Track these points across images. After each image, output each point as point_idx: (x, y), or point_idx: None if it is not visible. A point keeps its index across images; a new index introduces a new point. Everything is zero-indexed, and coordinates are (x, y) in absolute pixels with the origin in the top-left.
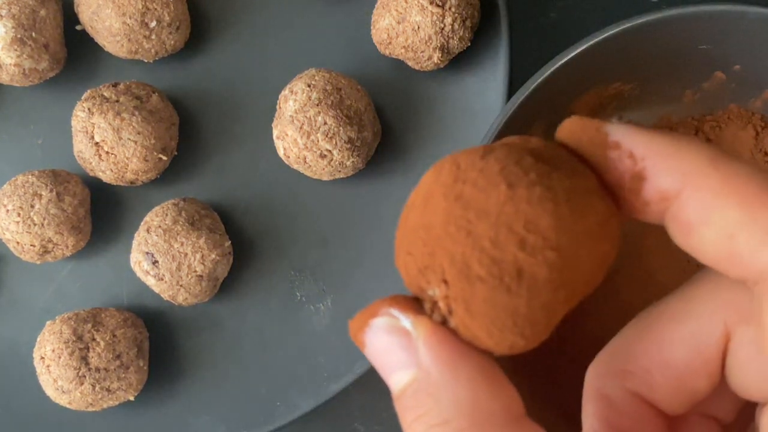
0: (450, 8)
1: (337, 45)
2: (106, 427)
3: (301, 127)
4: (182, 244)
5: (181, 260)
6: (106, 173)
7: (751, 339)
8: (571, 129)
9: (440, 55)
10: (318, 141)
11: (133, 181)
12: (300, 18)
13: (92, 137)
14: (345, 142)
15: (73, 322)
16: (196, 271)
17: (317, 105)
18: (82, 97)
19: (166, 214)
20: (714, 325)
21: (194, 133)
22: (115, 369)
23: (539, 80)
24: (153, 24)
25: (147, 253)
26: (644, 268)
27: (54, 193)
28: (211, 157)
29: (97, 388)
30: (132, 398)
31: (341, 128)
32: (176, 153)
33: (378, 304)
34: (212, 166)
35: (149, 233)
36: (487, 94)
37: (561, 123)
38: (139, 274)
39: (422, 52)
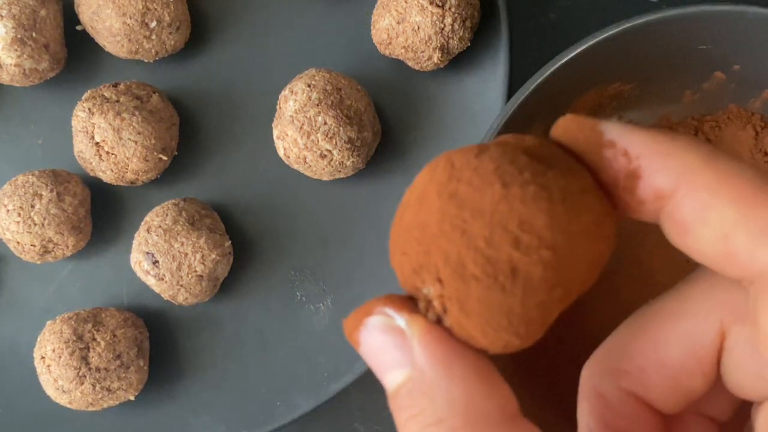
0: (450, 8)
1: (337, 45)
2: (106, 426)
3: (301, 127)
4: (182, 244)
5: (182, 260)
6: (106, 173)
7: (747, 338)
8: (566, 127)
9: (440, 55)
10: (318, 141)
11: (134, 181)
12: (300, 18)
13: (92, 137)
14: (345, 142)
15: (73, 322)
16: (196, 271)
17: (317, 105)
18: (83, 97)
19: (167, 214)
20: (709, 324)
21: (194, 133)
22: (115, 369)
23: (539, 80)
24: (153, 24)
25: (147, 253)
26: (643, 268)
27: (54, 193)
28: (211, 157)
29: (97, 388)
30: (132, 398)
31: (341, 128)
32: (176, 153)
33: (372, 303)
34: (212, 166)
35: (149, 233)
36: (487, 94)
37: (556, 121)
38: (140, 274)
39: (422, 52)
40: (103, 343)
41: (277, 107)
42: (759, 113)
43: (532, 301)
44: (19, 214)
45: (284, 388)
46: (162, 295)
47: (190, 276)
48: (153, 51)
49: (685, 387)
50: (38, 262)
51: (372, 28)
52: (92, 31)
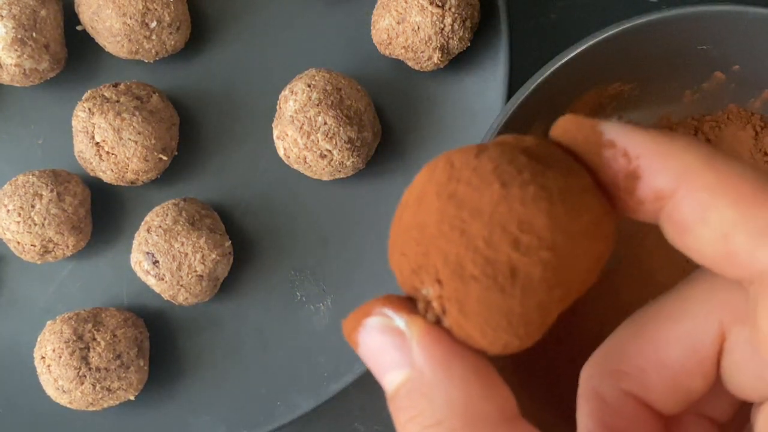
0: (450, 8)
1: (337, 45)
2: (106, 426)
3: (301, 127)
4: (182, 244)
5: (182, 260)
6: (106, 173)
7: (747, 339)
8: (566, 127)
9: (440, 55)
10: (318, 141)
11: (134, 181)
12: (300, 18)
13: (93, 137)
14: (345, 142)
15: (73, 322)
16: (196, 271)
17: (317, 105)
18: (83, 98)
19: (167, 214)
20: (709, 324)
21: (194, 133)
22: (115, 369)
23: (539, 80)
24: (153, 24)
25: (147, 253)
26: (643, 268)
27: (54, 193)
28: (211, 157)
29: (97, 388)
30: (132, 398)
31: (341, 128)
32: (176, 153)
33: (371, 304)
34: (212, 166)
35: (150, 233)
36: (487, 94)
37: (555, 121)
38: (140, 274)
39: (422, 52)
40: (103, 343)
41: (277, 107)
42: (759, 113)
43: (531, 301)
44: (20, 214)
45: (284, 388)
46: (162, 295)
47: (190, 276)
48: (153, 51)
49: (684, 388)
50: (38, 262)
51: (372, 28)
52: (92, 31)
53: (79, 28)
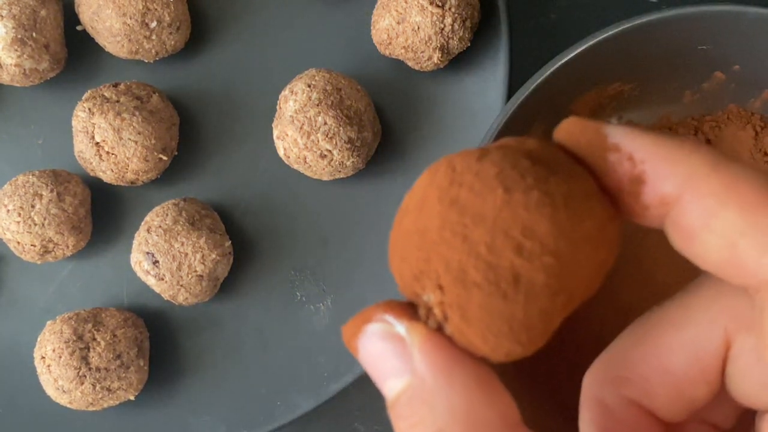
0: (450, 8)
1: (337, 45)
2: (106, 427)
3: (301, 127)
4: (182, 244)
5: (182, 260)
6: (106, 173)
7: (752, 347)
8: (570, 130)
9: (440, 55)
10: (318, 141)
11: (134, 181)
12: (300, 18)
13: (93, 137)
14: (345, 142)
15: (73, 322)
16: (196, 271)
17: (317, 105)
18: (83, 98)
19: (167, 214)
20: (714, 332)
21: (194, 133)
22: (115, 369)
23: (539, 80)
24: (153, 24)
25: (147, 253)
26: (644, 268)
27: (54, 193)
28: (211, 157)
29: (97, 388)
30: (132, 398)
31: (341, 128)
32: (176, 153)
33: (372, 310)
34: (212, 166)
35: (150, 233)
36: (487, 94)
37: (559, 124)
38: (140, 274)
39: (422, 52)
40: (103, 343)
41: (277, 107)
42: (759, 113)
43: (534, 308)
44: (20, 214)
45: (284, 388)
46: (162, 295)
47: (190, 276)
48: (153, 51)
49: (688, 396)
50: (38, 262)
51: (372, 28)
52: (92, 31)
53: (79, 28)
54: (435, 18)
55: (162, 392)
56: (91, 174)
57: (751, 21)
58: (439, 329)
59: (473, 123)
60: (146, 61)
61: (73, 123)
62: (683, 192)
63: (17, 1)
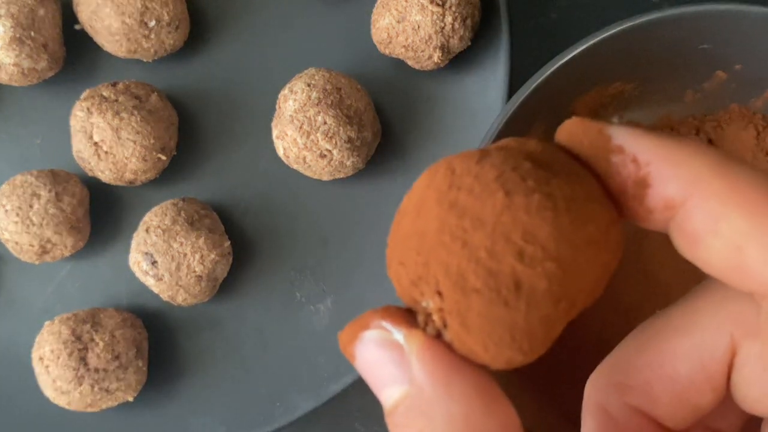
0: (450, 7)
1: (337, 45)
2: (105, 428)
3: (300, 127)
4: (181, 245)
5: (181, 260)
6: (105, 173)
7: (758, 354)
8: (572, 131)
9: (440, 54)
10: (318, 141)
11: (132, 180)
12: (300, 18)
13: (91, 137)
14: (345, 141)
15: (71, 323)
16: (195, 272)
17: (317, 104)
18: (81, 97)
19: (165, 214)
20: (720, 338)
21: (194, 132)
22: (114, 369)
23: (539, 80)
24: (152, 23)
25: (146, 253)
26: (645, 268)
27: (53, 193)
28: (210, 157)
29: (95, 389)
30: (131, 399)
31: (341, 128)
32: (175, 153)
33: (369, 316)
34: (212, 166)
35: (148, 233)
36: (487, 94)
37: (561, 124)
38: (138, 274)
39: (422, 51)
40: (101, 344)
41: (277, 107)
42: (761, 113)
43: (536, 315)
44: (18, 214)
45: (284, 388)
46: (161, 296)
47: (189, 276)
48: (152, 50)
49: (693, 403)
50: (36, 263)
51: (372, 27)
52: (91, 30)
53: (77, 27)
54: (435, 17)
55: (161, 393)
56: (90, 174)
57: (753, 20)
58: (438, 336)
59: (473, 123)
60: (145, 60)
61: (72, 122)
62: (688, 195)
63: (16, 0)
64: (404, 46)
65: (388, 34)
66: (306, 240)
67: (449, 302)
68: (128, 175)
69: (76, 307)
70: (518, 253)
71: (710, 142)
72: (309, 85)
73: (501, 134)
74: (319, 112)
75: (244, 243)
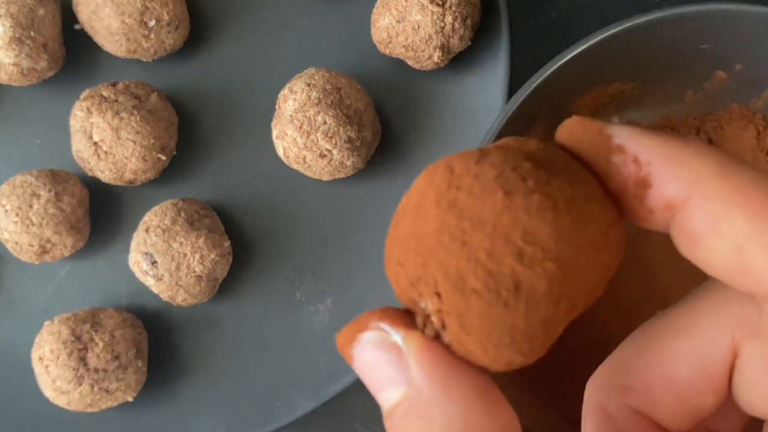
0: (450, 7)
1: (337, 45)
2: (104, 428)
3: (300, 127)
4: (181, 245)
5: (180, 260)
6: (104, 173)
7: (760, 355)
8: (572, 130)
9: (440, 54)
10: (318, 141)
11: (132, 180)
12: (300, 17)
13: (91, 137)
14: (345, 141)
15: (71, 323)
16: (195, 272)
17: (317, 104)
18: (81, 97)
19: (165, 214)
20: (721, 339)
21: (193, 132)
22: (113, 370)
23: (539, 80)
24: (152, 23)
25: (146, 253)
26: (646, 268)
27: (52, 192)
28: (210, 157)
29: (95, 389)
30: (131, 399)
31: (341, 128)
32: (175, 153)
33: (367, 317)
34: (212, 166)
35: (148, 233)
36: (487, 94)
37: (561, 124)
38: (138, 274)
39: (422, 51)
40: (101, 344)
41: (277, 107)
42: (761, 113)
43: (536, 316)
44: (17, 214)
45: (284, 388)
46: (161, 296)
47: (189, 276)
48: (152, 50)
49: (694, 405)
50: (36, 263)
51: (372, 27)
52: (91, 30)
53: (77, 27)
54: (435, 17)
55: (161, 393)
56: (90, 174)
57: (754, 20)
58: (437, 338)
59: (473, 123)
60: (145, 60)
61: (71, 122)
62: (689, 195)
63: None
64: (404, 46)
65: (388, 33)
66: (306, 240)
67: (448, 303)
68: (128, 175)
69: (75, 307)
70: (518, 253)
71: (710, 142)
72: (309, 85)
73: (501, 134)
74: (319, 112)
75: (244, 243)
